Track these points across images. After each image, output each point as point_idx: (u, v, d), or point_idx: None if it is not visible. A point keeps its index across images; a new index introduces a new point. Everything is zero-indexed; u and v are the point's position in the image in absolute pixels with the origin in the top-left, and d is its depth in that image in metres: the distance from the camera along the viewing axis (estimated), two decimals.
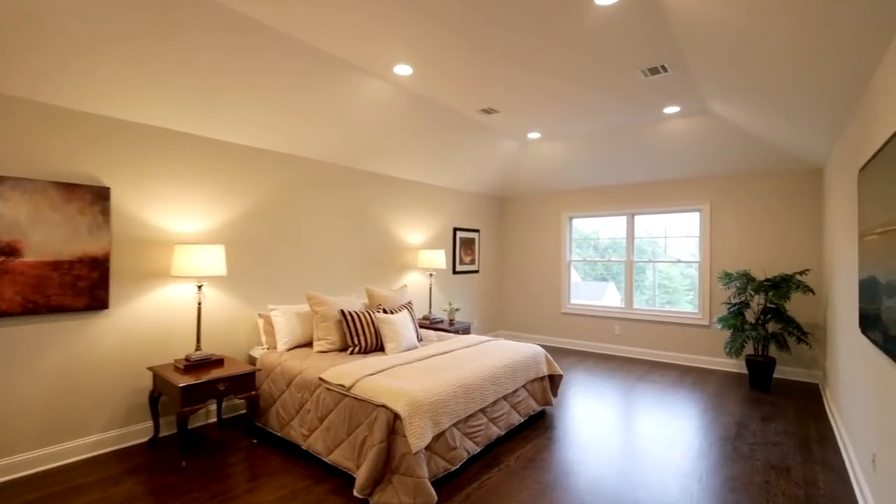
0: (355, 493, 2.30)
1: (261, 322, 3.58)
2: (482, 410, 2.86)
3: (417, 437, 2.28)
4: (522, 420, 3.27)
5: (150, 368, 2.95)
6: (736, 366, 5.04)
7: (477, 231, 6.51)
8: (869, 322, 2.25)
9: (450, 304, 5.26)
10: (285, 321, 3.47)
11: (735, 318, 4.50)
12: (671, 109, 4.29)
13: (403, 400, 2.38)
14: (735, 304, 4.61)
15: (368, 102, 3.78)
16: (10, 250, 2.52)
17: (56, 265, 2.66)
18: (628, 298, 5.93)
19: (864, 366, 2.45)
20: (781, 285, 4.30)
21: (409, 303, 4.12)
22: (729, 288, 4.75)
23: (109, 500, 2.36)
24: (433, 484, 2.45)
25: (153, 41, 2.60)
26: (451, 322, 5.11)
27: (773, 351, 4.75)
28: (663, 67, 3.38)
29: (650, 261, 5.90)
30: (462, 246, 6.21)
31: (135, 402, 3.04)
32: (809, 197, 4.69)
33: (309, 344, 3.60)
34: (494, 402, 2.98)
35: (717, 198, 5.23)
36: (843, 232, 3.12)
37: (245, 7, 2.60)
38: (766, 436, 3.24)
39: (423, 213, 5.51)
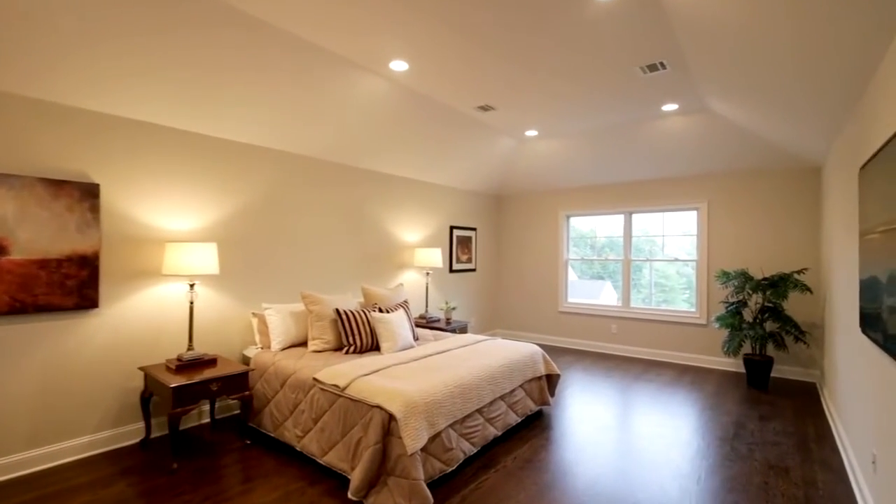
0: (350, 495, 2.26)
1: (255, 321, 3.53)
2: (479, 411, 2.83)
3: (413, 438, 2.25)
4: (520, 420, 3.24)
5: (141, 368, 2.90)
6: (733, 365, 5.03)
7: (474, 229, 6.47)
8: (870, 321, 2.23)
9: (446, 303, 5.22)
10: (280, 320, 3.43)
11: (733, 317, 4.48)
12: (669, 107, 4.26)
13: (399, 401, 2.34)
14: (733, 303, 4.60)
15: (364, 99, 3.73)
16: None
17: (44, 263, 2.61)
18: (625, 297, 5.91)
19: (865, 365, 2.43)
20: (779, 284, 4.28)
21: (406, 302, 4.08)
22: (727, 287, 4.73)
23: (100, 502, 2.32)
24: (429, 486, 2.42)
25: (148, 37, 2.56)
26: (448, 321, 5.08)
27: (770, 350, 4.74)
28: (662, 64, 3.35)
29: (647, 259, 5.88)
30: (459, 244, 6.17)
31: (126, 403, 2.99)
32: (807, 196, 4.68)
33: (304, 343, 3.55)
34: (491, 403, 2.95)
35: (715, 196, 5.21)
36: (843, 231, 3.10)
37: (239, 2, 2.55)
38: (764, 435, 3.22)
39: (419, 211, 5.47)
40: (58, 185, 2.65)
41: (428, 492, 2.20)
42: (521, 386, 3.31)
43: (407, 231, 5.29)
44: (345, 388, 2.56)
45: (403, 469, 2.20)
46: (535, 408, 3.44)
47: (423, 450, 2.34)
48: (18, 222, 2.52)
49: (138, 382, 3.04)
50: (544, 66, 3.39)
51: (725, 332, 4.91)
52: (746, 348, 4.78)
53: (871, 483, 2.20)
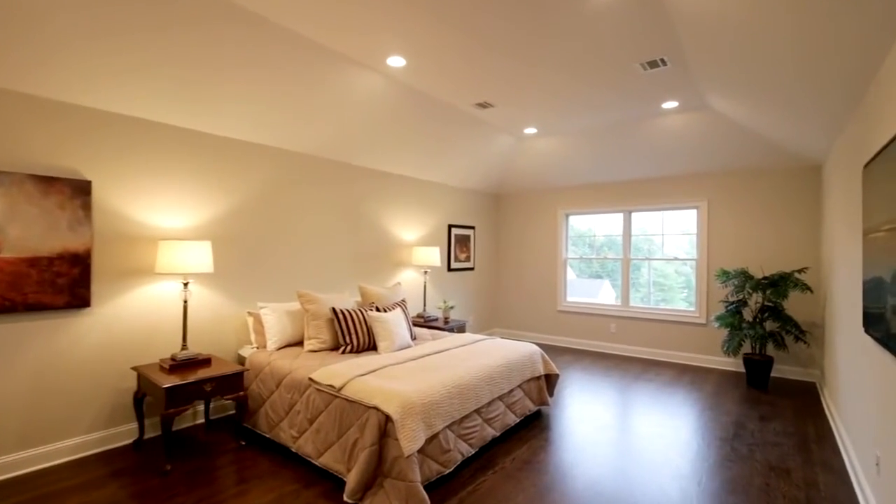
0: (345, 497, 2.22)
1: (250, 320, 3.48)
2: (477, 411, 2.79)
3: (410, 439, 2.21)
4: (518, 420, 3.20)
5: (134, 368, 2.86)
6: (733, 364, 5.00)
7: (472, 228, 6.43)
8: (873, 321, 2.19)
9: (445, 302, 5.19)
10: (275, 319, 3.38)
11: (732, 317, 4.46)
12: (669, 104, 4.22)
13: (395, 401, 2.30)
14: (733, 303, 4.57)
15: (361, 95, 3.69)
16: None
17: (34, 262, 2.56)
18: (624, 296, 5.88)
19: (868, 366, 2.40)
20: (779, 283, 4.25)
21: (403, 301, 4.04)
22: (726, 286, 4.70)
23: None
24: (426, 488, 2.38)
25: (144, 34, 2.52)
26: (446, 320, 5.04)
27: (770, 350, 4.71)
28: (662, 61, 3.31)
29: (647, 258, 5.85)
30: (457, 243, 6.14)
31: (119, 403, 2.95)
32: (808, 194, 4.65)
33: (300, 343, 3.51)
34: (489, 403, 2.92)
35: (715, 195, 5.18)
36: (845, 229, 3.07)
37: None
38: (764, 436, 3.19)
39: (417, 209, 5.42)
40: (48, 182, 2.60)
41: (425, 494, 2.17)
42: (519, 386, 3.27)
43: (405, 229, 5.25)
44: (341, 389, 2.52)
45: (400, 471, 2.16)
46: (533, 408, 3.40)
47: (420, 451, 2.30)
48: (8, 220, 2.47)
49: (131, 382, 2.99)
50: (543, 62, 3.35)
51: (725, 332, 4.89)
52: (746, 348, 4.76)
53: (875, 485, 2.17)
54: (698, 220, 5.29)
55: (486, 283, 6.81)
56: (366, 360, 2.92)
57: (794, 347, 4.64)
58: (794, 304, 4.65)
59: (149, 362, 3.05)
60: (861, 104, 2.67)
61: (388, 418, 2.26)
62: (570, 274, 6.60)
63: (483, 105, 4.30)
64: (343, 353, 3.29)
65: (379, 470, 2.25)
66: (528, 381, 3.40)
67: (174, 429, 3.20)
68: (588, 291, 7.10)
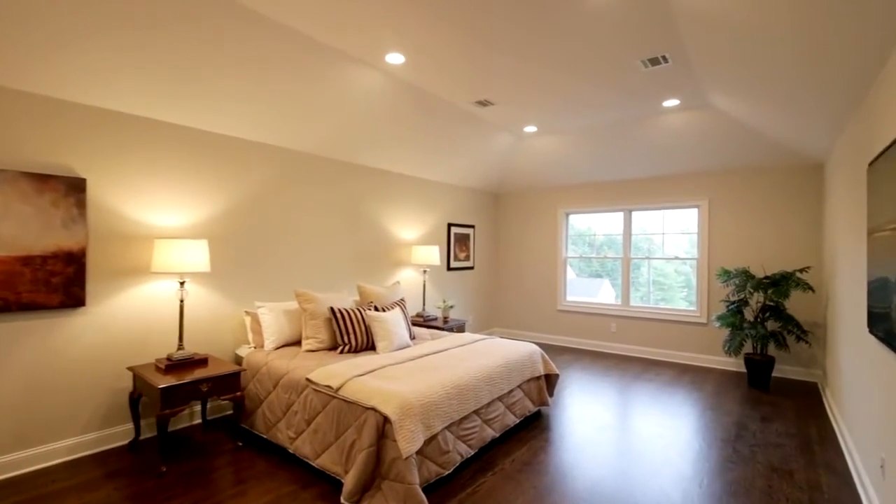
0: (343, 499, 2.19)
1: (248, 320, 3.45)
2: (476, 412, 2.76)
3: (408, 441, 2.18)
4: (518, 421, 3.17)
5: (130, 368, 2.83)
6: (734, 364, 4.97)
7: (472, 227, 6.40)
8: (877, 320, 2.16)
9: (444, 302, 5.16)
10: (273, 319, 3.35)
11: (734, 317, 4.43)
12: (671, 102, 4.19)
13: (394, 402, 2.27)
14: (734, 302, 4.54)
15: (359, 93, 3.65)
16: None
17: (28, 260, 2.52)
18: (625, 296, 5.85)
19: (872, 367, 2.37)
20: (781, 283, 4.22)
21: (402, 300, 4.01)
22: (727, 285, 4.67)
23: None
24: (425, 490, 2.35)
25: (141, 31, 2.49)
26: (446, 320, 5.01)
27: (771, 349, 4.68)
28: (664, 58, 3.28)
29: (647, 257, 5.82)
30: (457, 242, 6.10)
31: (114, 404, 2.92)
32: (809, 193, 4.62)
33: (298, 342, 3.48)
34: (489, 403, 2.89)
35: (716, 194, 5.14)
36: (849, 228, 3.04)
37: None
38: (766, 437, 3.16)
39: (416, 208, 5.39)
40: (42, 180, 2.57)
41: (423, 496, 2.14)
42: (519, 386, 3.24)
43: (404, 228, 5.21)
44: (338, 389, 2.49)
45: (398, 473, 2.13)
46: (533, 408, 3.38)
47: (418, 453, 2.27)
48: (1, 218, 2.44)
49: (127, 383, 2.96)
50: (544, 59, 3.31)
51: (726, 332, 4.86)
52: (747, 348, 4.73)
53: (880, 488, 2.14)
54: (699, 218, 5.26)
55: (486, 283, 6.78)
56: (364, 360, 2.89)
57: (795, 347, 4.62)
58: (795, 304, 4.62)
59: (145, 362, 3.02)
60: (865, 102, 2.64)
61: (386, 419, 2.23)
62: (570, 273, 6.58)
63: (483, 103, 4.26)
64: (341, 352, 3.26)
65: (377, 471, 2.22)
66: (528, 381, 3.37)
67: (171, 429, 3.17)
68: (588, 291, 7.08)
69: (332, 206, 4.33)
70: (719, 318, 4.51)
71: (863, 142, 2.66)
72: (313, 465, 2.53)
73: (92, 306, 2.79)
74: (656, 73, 3.54)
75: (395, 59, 3.30)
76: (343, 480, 2.30)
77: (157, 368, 2.80)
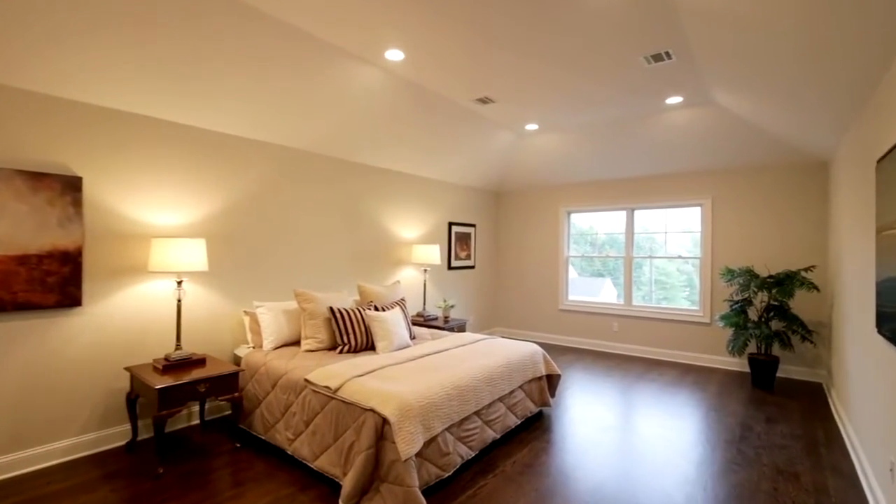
0: (341, 502, 2.16)
1: (246, 320, 3.42)
2: (477, 413, 2.72)
3: (407, 443, 2.14)
4: (519, 422, 3.13)
5: (127, 369, 2.80)
6: (737, 364, 4.93)
7: (473, 226, 6.36)
8: (886, 320, 2.12)
9: (444, 301, 5.12)
10: (272, 319, 3.32)
11: (737, 316, 4.38)
12: (674, 100, 4.14)
13: (393, 403, 2.24)
14: (737, 302, 4.49)
15: (359, 90, 3.61)
16: None
17: (23, 259, 2.49)
18: (627, 295, 5.80)
19: (881, 368, 2.32)
20: (785, 282, 4.17)
21: (402, 300, 3.97)
22: (731, 285, 4.62)
23: None
24: (425, 492, 2.32)
25: (139, 28, 2.47)
26: (446, 319, 4.97)
27: (776, 349, 4.63)
28: (667, 54, 3.23)
29: (649, 256, 5.77)
30: (458, 241, 6.06)
31: (111, 404, 2.89)
32: (814, 191, 4.56)
33: (297, 343, 3.45)
34: (490, 404, 2.85)
35: (720, 192, 5.09)
36: (856, 227, 2.99)
37: None
38: (771, 438, 3.12)
39: (417, 206, 5.35)
40: (37, 178, 2.54)
41: (423, 499, 2.10)
42: (520, 387, 3.21)
43: (404, 227, 5.18)
44: (337, 390, 2.45)
45: (397, 476, 2.10)
46: (535, 409, 3.34)
47: (418, 455, 2.24)
48: None
49: (124, 383, 2.93)
50: (545, 56, 3.27)
51: (729, 331, 4.81)
52: (751, 348, 4.68)
53: (889, 492, 2.09)
54: (702, 217, 5.21)
55: (487, 282, 6.74)
56: (363, 361, 2.86)
57: (800, 347, 4.57)
58: (799, 303, 4.57)
59: (142, 362, 2.99)
60: (873, 97, 2.59)
61: (384, 421, 2.20)
62: (572, 272, 6.53)
63: (483, 100, 4.22)
64: (341, 353, 3.23)
65: (376, 474, 2.18)
66: (530, 381, 3.33)
67: (169, 430, 3.15)
68: (590, 290, 7.04)
69: (332, 205, 4.29)
70: (723, 317, 4.46)
71: (871, 138, 2.61)
72: (312, 466, 2.49)
73: (88, 306, 2.77)
74: (659, 70, 3.49)
75: (394, 55, 3.26)
76: (342, 482, 2.27)
77: (155, 369, 2.78)
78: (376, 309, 3.58)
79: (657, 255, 5.77)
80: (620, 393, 4.09)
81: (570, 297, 6.33)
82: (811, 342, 4.27)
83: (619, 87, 3.84)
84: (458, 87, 3.90)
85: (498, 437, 2.89)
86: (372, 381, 2.50)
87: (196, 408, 3.31)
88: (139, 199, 2.96)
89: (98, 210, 2.79)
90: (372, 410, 2.24)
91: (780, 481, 2.54)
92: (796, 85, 2.96)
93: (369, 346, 3.37)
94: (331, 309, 3.31)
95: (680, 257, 5.59)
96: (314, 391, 2.57)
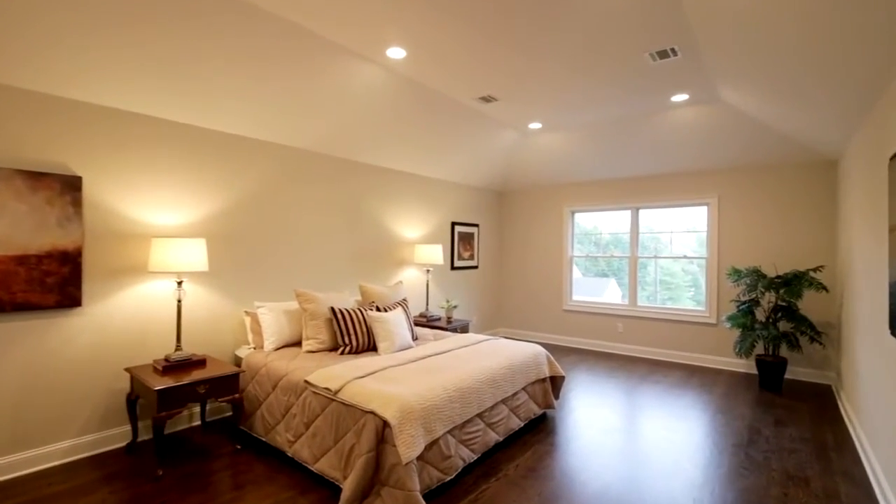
0: None
1: (247, 320, 3.40)
2: (479, 415, 2.68)
3: (408, 446, 2.11)
4: (522, 424, 3.09)
5: (127, 369, 2.78)
6: (744, 366, 4.86)
7: (476, 226, 6.32)
8: None
9: (447, 301, 5.08)
10: (273, 319, 3.29)
11: (745, 317, 4.31)
12: (679, 97, 4.08)
13: (394, 406, 2.20)
14: (745, 302, 4.43)
15: (361, 89, 3.58)
16: None
17: (22, 259, 2.48)
18: (632, 295, 5.74)
19: (893, 370, 2.26)
20: (793, 282, 4.11)
21: (405, 300, 3.94)
22: (738, 285, 4.55)
23: None
24: (426, 496, 2.28)
25: (138, 26, 2.45)
26: (449, 320, 4.93)
27: (784, 351, 4.56)
28: (673, 51, 3.18)
29: (655, 256, 5.71)
30: (461, 241, 6.02)
31: (112, 405, 2.87)
32: (823, 190, 4.49)
33: (298, 343, 3.42)
34: (492, 407, 2.81)
35: (726, 191, 5.02)
36: (868, 226, 2.93)
37: None
38: (780, 442, 3.06)
39: (419, 206, 5.32)
40: (37, 178, 2.52)
41: (424, 503, 2.06)
42: (524, 388, 3.16)
43: (407, 227, 5.14)
44: (337, 392, 2.42)
45: (398, 479, 2.06)
46: (538, 411, 3.29)
47: (419, 458, 2.20)
48: None
49: (124, 384, 2.91)
50: (549, 53, 3.22)
51: (736, 332, 4.75)
52: (759, 349, 4.61)
53: None
54: (708, 216, 5.14)
55: (490, 282, 6.69)
56: (365, 362, 2.82)
57: (808, 348, 4.50)
58: (808, 304, 4.49)
59: (142, 363, 2.97)
60: (886, 92, 2.53)
61: (385, 423, 2.16)
62: (576, 272, 6.47)
63: (486, 99, 4.18)
64: (342, 353, 3.20)
65: (376, 478, 2.15)
66: (533, 383, 3.29)
67: (169, 431, 3.13)
68: (594, 290, 6.98)
69: (333, 205, 4.27)
70: (730, 318, 4.40)
71: (883, 135, 2.54)
72: (312, 469, 2.46)
73: (88, 306, 2.75)
74: (664, 67, 3.44)
75: (396, 53, 3.22)
76: (342, 486, 2.23)
77: (155, 369, 2.75)
78: (378, 309, 3.55)
79: (662, 255, 5.71)
80: (625, 394, 4.04)
81: (574, 298, 6.27)
82: (820, 343, 4.20)
83: (623, 84, 3.79)
84: (460, 86, 3.86)
85: (501, 439, 2.85)
86: (373, 383, 2.47)
87: (197, 409, 3.29)
88: (139, 199, 2.95)
89: (98, 210, 2.77)
90: (372, 413, 2.21)
91: (789, 486, 2.48)
92: (805, 80, 2.90)
93: (371, 347, 3.34)
94: (332, 309, 3.28)
95: (685, 257, 5.53)
96: (314, 393, 2.54)
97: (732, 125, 4.32)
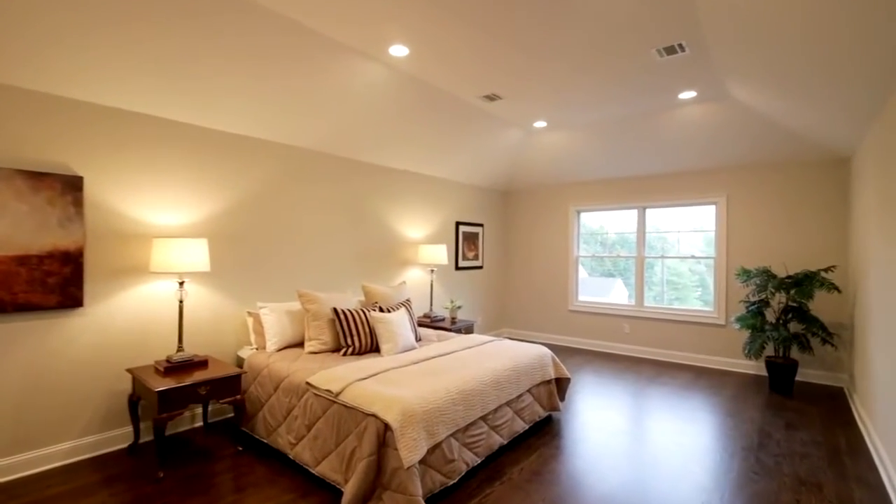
0: None
1: (250, 321, 3.38)
2: (483, 418, 2.64)
3: (410, 450, 2.07)
4: (527, 427, 3.04)
5: (128, 370, 2.76)
6: (753, 367, 4.77)
7: (481, 225, 6.27)
8: None
9: (452, 302, 5.04)
10: (275, 320, 3.27)
11: (754, 318, 4.23)
12: (687, 94, 4.02)
13: (396, 409, 2.17)
14: (754, 303, 4.35)
15: (363, 87, 3.55)
16: None
17: (23, 260, 2.47)
18: (638, 296, 5.66)
19: None
20: (804, 283, 4.02)
21: (408, 300, 3.90)
22: (747, 285, 4.47)
23: None
24: (429, 501, 2.24)
25: (138, 25, 2.42)
26: (454, 320, 4.89)
27: (794, 352, 4.48)
28: (680, 46, 3.11)
29: (662, 256, 5.63)
30: (465, 241, 5.98)
31: (113, 406, 2.86)
32: (834, 188, 4.40)
33: (301, 344, 3.39)
34: (497, 409, 2.76)
35: (735, 190, 4.94)
36: (883, 225, 2.85)
37: None
38: (791, 446, 2.99)
39: (423, 206, 5.28)
40: (38, 178, 2.51)
41: None
42: (528, 391, 3.11)
43: (410, 227, 5.11)
44: (338, 394, 2.39)
45: (399, 484, 2.02)
46: (543, 414, 3.24)
47: (422, 461, 2.16)
48: None
49: (126, 385, 2.90)
50: (554, 50, 3.17)
51: (745, 334, 4.66)
52: (768, 350, 4.52)
53: None
54: (717, 216, 5.06)
55: (495, 282, 6.64)
56: (367, 363, 2.79)
57: (819, 350, 4.41)
58: (819, 305, 4.40)
59: (144, 364, 2.96)
60: None
61: (387, 427, 2.12)
62: (582, 272, 6.41)
63: (490, 97, 4.13)
64: (344, 355, 3.17)
65: (378, 482, 2.11)
66: (538, 385, 3.24)
67: (172, 432, 3.11)
68: (600, 290, 6.90)
69: (336, 204, 4.24)
70: (739, 319, 4.32)
71: None
72: (313, 472, 2.43)
73: (90, 307, 2.74)
74: (672, 63, 3.38)
75: (399, 51, 3.19)
76: (343, 490, 2.20)
77: (157, 371, 2.74)
78: (381, 310, 3.51)
79: (669, 254, 5.63)
80: (632, 396, 3.97)
81: (580, 298, 6.21)
82: (832, 345, 4.11)
83: (630, 81, 3.73)
84: (463, 84, 3.81)
85: (505, 442, 2.81)
86: (375, 385, 2.43)
87: (199, 410, 3.27)
88: (140, 199, 2.93)
89: (99, 210, 2.76)
90: (374, 416, 2.17)
91: (802, 492, 2.42)
92: (816, 74, 2.83)
93: (374, 348, 3.31)
94: (335, 310, 3.25)
95: (693, 257, 5.45)
96: (316, 395, 2.51)
97: (741, 122, 4.25)
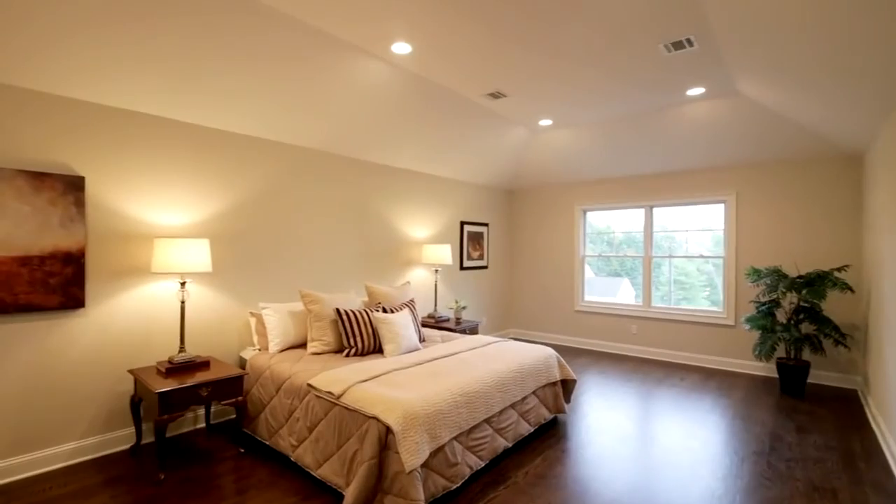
0: None
1: (252, 321, 3.36)
2: (487, 421, 2.59)
3: (412, 453, 2.03)
4: (532, 430, 2.99)
5: (130, 371, 2.75)
6: (764, 369, 4.68)
7: (486, 225, 6.22)
8: None
9: (456, 302, 5.00)
10: (277, 320, 3.24)
11: (765, 319, 4.15)
12: (695, 91, 3.94)
13: (397, 411, 2.13)
14: (764, 303, 4.26)
15: (366, 86, 3.52)
16: None
17: (25, 260, 2.46)
18: (646, 296, 5.59)
19: None
20: (816, 283, 3.93)
21: (412, 301, 3.86)
22: (758, 285, 4.39)
23: None
24: None
25: (138, 24, 2.41)
26: (458, 321, 4.85)
27: (806, 354, 4.38)
28: (689, 41, 3.05)
29: (669, 256, 5.55)
30: (470, 240, 5.93)
31: (115, 407, 2.84)
32: (847, 185, 4.30)
33: (303, 345, 3.37)
34: (501, 412, 2.71)
35: (744, 188, 4.85)
36: (895, 224, 2.77)
37: None
38: (804, 450, 2.91)
39: (427, 205, 5.24)
40: (39, 178, 2.50)
41: None
42: (533, 392, 3.06)
43: (414, 227, 5.07)
44: (340, 396, 2.35)
45: (401, 488, 1.99)
46: (549, 416, 3.19)
47: (424, 465, 2.12)
48: None
49: (128, 386, 2.89)
50: (559, 47, 3.11)
51: (755, 334, 4.58)
52: (779, 352, 4.44)
53: None
54: (726, 214, 4.98)
55: (500, 282, 6.59)
56: (369, 365, 2.76)
57: (832, 351, 4.31)
58: (832, 305, 4.31)
59: (146, 365, 2.94)
60: None
61: (388, 430, 2.08)
62: (588, 272, 6.34)
63: (495, 95, 4.09)
64: (347, 356, 3.14)
65: (379, 486, 2.07)
66: (543, 387, 3.19)
67: (173, 433, 3.10)
68: (607, 290, 6.82)
69: (339, 204, 4.21)
70: (749, 319, 4.24)
71: None
72: (314, 475, 2.40)
73: (91, 307, 2.72)
74: (680, 58, 3.31)
75: (401, 48, 3.15)
76: (344, 493, 2.17)
77: (158, 372, 2.72)
78: (384, 310, 3.48)
79: (677, 254, 5.55)
80: (640, 399, 3.91)
81: (587, 298, 6.14)
82: (845, 346, 4.02)
83: (637, 77, 3.66)
84: (467, 81, 3.77)
85: (510, 445, 2.76)
86: (377, 387, 2.39)
87: (202, 411, 3.26)
88: (142, 199, 2.92)
89: (101, 210, 2.75)
90: (375, 418, 2.13)
91: (815, 498, 2.35)
92: (828, 70, 2.75)
93: (377, 349, 3.27)
94: (337, 311, 3.22)
95: (702, 256, 5.36)
96: (317, 397, 2.48)
97: (750, 119, 4.16)
